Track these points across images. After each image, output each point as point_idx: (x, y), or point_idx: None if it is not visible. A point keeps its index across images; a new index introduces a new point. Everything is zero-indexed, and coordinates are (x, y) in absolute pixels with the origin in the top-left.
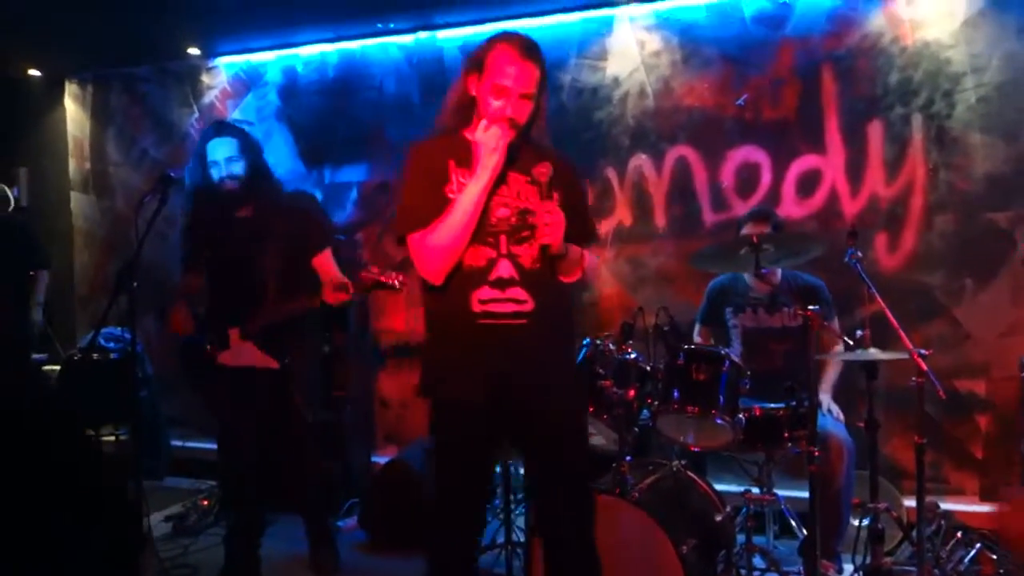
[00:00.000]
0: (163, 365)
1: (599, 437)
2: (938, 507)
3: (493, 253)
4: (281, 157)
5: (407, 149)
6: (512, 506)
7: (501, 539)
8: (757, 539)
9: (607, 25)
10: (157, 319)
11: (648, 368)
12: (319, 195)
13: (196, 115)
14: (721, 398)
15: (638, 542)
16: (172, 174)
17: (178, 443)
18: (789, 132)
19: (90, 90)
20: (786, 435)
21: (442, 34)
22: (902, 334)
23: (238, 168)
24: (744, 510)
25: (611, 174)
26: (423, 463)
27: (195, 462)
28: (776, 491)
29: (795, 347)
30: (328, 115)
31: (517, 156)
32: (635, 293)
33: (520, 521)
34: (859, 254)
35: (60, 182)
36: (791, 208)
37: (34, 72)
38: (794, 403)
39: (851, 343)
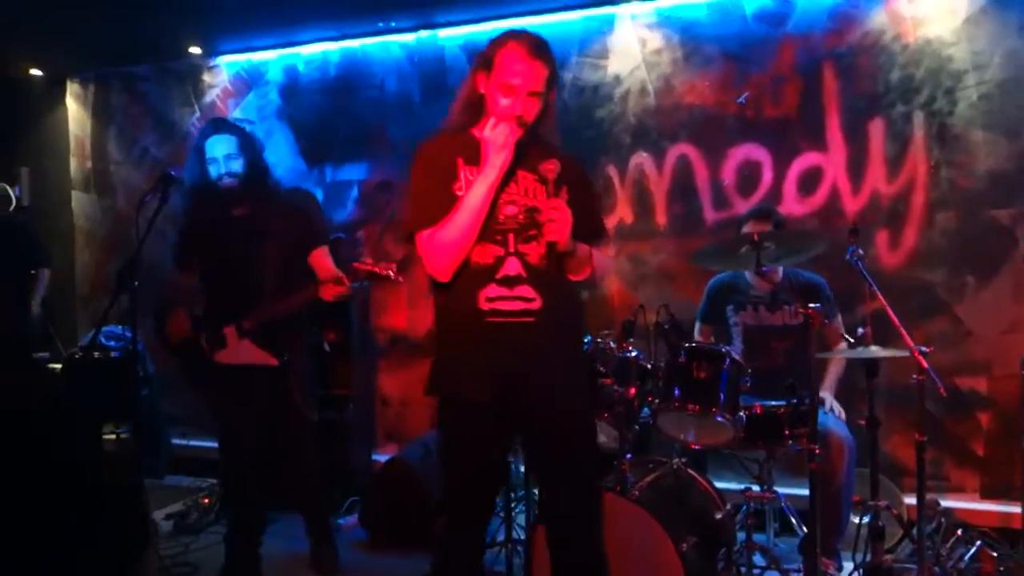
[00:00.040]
0: (164, 364)
1: (600, 435)
2: (939, 505)
3: (501, 251)
4: (282, 156)
5: (416, 147)
6: (512, 504)
7: (501, 537)
8: (757, 537)
9: (608, 23)
10: (153, 321)
11: (649, 366)
12: (320, 193)
13: (197, 114)
14: (722, 396)
15: (638, 540)
16: (173, 173)
17: (179, 441)
18: (790, 130)
19: (91, 89)
20: (787, 433)
21: (443, 33)
22: (903, 332)
23: (237, 166)
24: (744, 508)
25: (612, 172)
26: (423, 461)
27: (196, 460)
28: (776, 489)
29: (796, 345)
30: (329, 114)
31: (525, 154)
32: (636, 291)
33: (520, 519)
34: (860, 252)
35: (61, 181)
36: (792, 206)
37: (35, 71)
38: (795, 401)
39: (851, 341)
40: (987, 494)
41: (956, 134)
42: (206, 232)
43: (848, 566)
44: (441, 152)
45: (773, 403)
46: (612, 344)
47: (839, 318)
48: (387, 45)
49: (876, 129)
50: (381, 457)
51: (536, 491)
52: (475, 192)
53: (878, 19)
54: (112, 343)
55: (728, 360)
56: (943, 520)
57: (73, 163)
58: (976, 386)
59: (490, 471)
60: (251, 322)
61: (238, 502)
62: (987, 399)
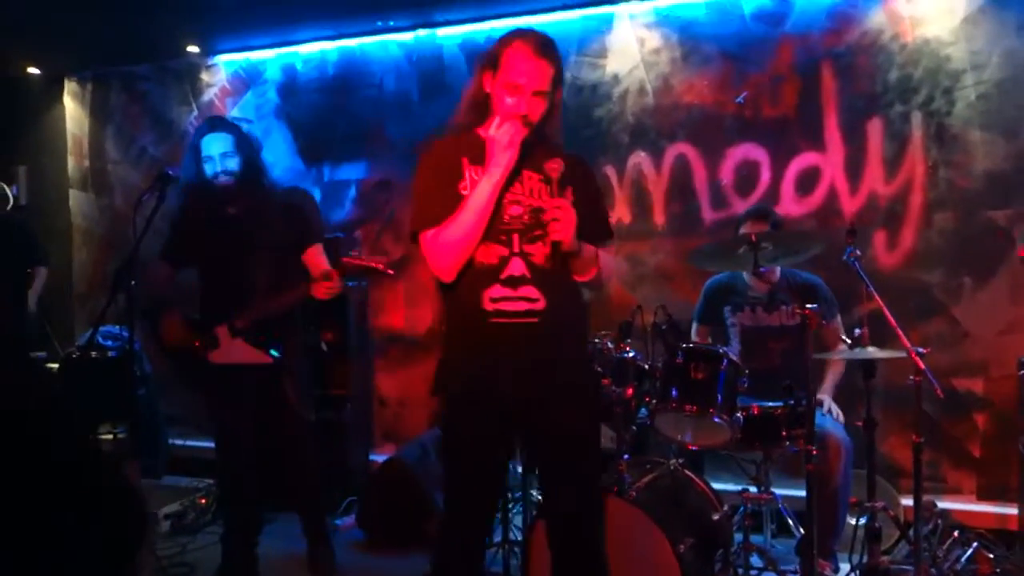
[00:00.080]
0: (161, 363)
1: None
2: (935, 506)
3: (505, 251)
4: (280, 155)
5: (421, 146)
6: (509, 505)
7: (498, 538)
8: (754, 538)
9: (607, 22)
10: (147, 322)
11: (646, 366)
12: (318, 193)
13: (195, 113)
14: (719, 397)
15: (635, 541)
16: (171, 172)
17: (177, 441)
18: (788, 130)
19: (89, 88)
20: (784, 434)
21: (442, 32)
22: (900, 333)
23: (232, 164)
24: (742, 509)
25: (610, 172)
26: (421, 461)
27: (193, 460)
28: (774, 490)
29: (793, 346)
30: (327, 113)
31: (531, 154)
32: (634, 291)
33: (517, 520)
34: (858, 252)
35: (59, 180)
36: (790, 206)
37: (33, 70)
38: (792, 402)
39: (848, 342)
40: (984, 495)
41: (954, 134)
42: (200, 230)
43: (845, 567)
44: (446, 151)
45: (770, 404)
46: (610, 344)
47: (839, 319)
48: (385, 44)
49: (874, 129)
50: (378, 457)
51: (533, 492)
52: (480, 192)
53: (876, 19)
54: (109, 343)
55: (725, 361)
56: (940, 521)
57: (71, 162)
58: (973, 387)
59: (493, 472)
60: (243, 321)
61: (234, 502)
62: (984, 400)
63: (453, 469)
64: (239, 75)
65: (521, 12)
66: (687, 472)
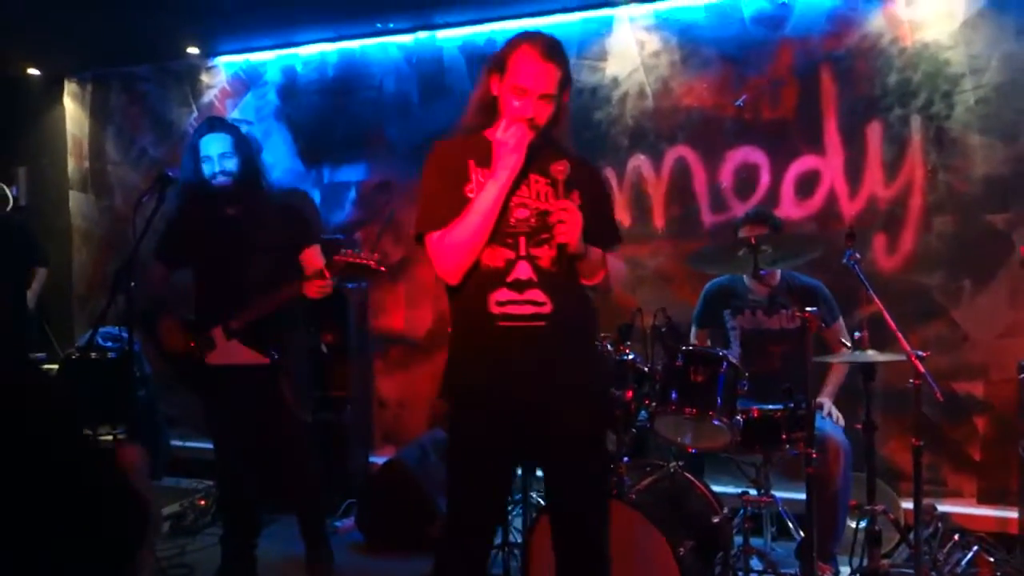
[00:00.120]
0: (160, 365)
1: None
2: (935, 509)
3: (512, 254)
4: (280, 156)
5: (429, 148)
6: (509, 507)
7: (498, 540)
8: (754, 541)
9: (607, 25)
10: (144, 327)
11: (646, 369)
12: (318, 195)
13: (195, 114)
14: (719, 399)
15: (635, 543)
16: (170, 173)
17: (177, 442)
18: (788, 133)
19: (89, 89)
20: (784, 437)
21: (442, 34)
22: (899, 336)
23: (231, 165)
24: (741, 512)
25: (610, 174)
26: (420, 463)
27: (193, 462)
28: (773, 493)
29: (793, 349)
30: (327, 115)
31: (538, 157)
32: (633, 294)
33: (517, 522)
34: (857, 255)
35: (59, 181)
36: (790, 209)
37: (33, 71)
38: (792, 405)
39: (848, 345)
40: (984, 499)
41: (953, 138)
42: (197, 230)
43: (845, 571)
44: (453, 153)
45: (770, 407)
46: (609, 347)
47: (841, 322)
48: (385, 46)
49: (874, 132)
50: (378, 459)
51: (533, 494)
52: (486, 195)
53: (876, 22)
54: (109, 344)
55: (725, 364)
56: (940, 525)
57: (71, 163)
58: (973, 390)
59: (498, 476)
60: (238, 322)
61: (233, 503)
62: (984, 403)
63: (458, 472)
64: (239, 76)
65: (521, 15)
66: (687, 475)
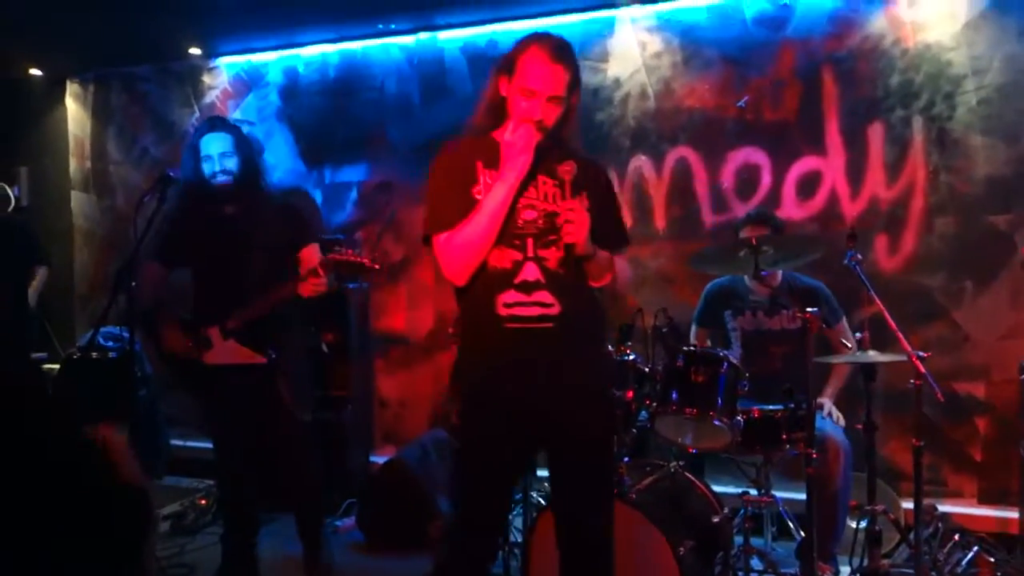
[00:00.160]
0: (160, 366)
1: None
2: (936, 509)
3: (519, 255)
4: (281, 157)
5: (438, 149)
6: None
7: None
8: (755, 541)
9: (608, 26)
10: (143, 328)
11: (647, 369)
12: (319, 195)
13: (197, 115)
14: (719, 400)
15: (636, 543)
16: (172, 174)
17: (177, 442)
18: (789, 134)
19: (91, 89)
20: (784, 437)
21: (443, 35)
22: (900, 336)
23: (231, 164)
24: (742, 512)
25: (611, 175)
26: (421, 463)
27: (194, 461)
28: (774, 493)
29: (795, 350)
30: (329, 115)
31: (546, 158)
32: (634, 294)
33: (517, 522)
34: (859, 256)
35: (61, 181)
36: (791, 210)
37: (35, 72)
38: (792, 405)
39: (850, 346)
40: (984, 499)
41: (955, 139)
42: (195, 230)
43: (845, 570)
44: (461, 155)
45: (770, 407)
46: (610, 347)
47: (844, 322)
48: (387, 47)
49: (875, 134)
50: (379, 459)
51: (533, 495)
52: (493, 196)
53: (878, 24)
54: (110, 343)
55: (726, 364)
56: (940, 525)
57: (72, 163)
58: (974, 391)
59: (505, 478)
60: (235, 322)
61: (233, 503)
62: (985, 404)
63: (466, 473)
64: (241, 77)
65: (523, 16)
66: (687, 475)
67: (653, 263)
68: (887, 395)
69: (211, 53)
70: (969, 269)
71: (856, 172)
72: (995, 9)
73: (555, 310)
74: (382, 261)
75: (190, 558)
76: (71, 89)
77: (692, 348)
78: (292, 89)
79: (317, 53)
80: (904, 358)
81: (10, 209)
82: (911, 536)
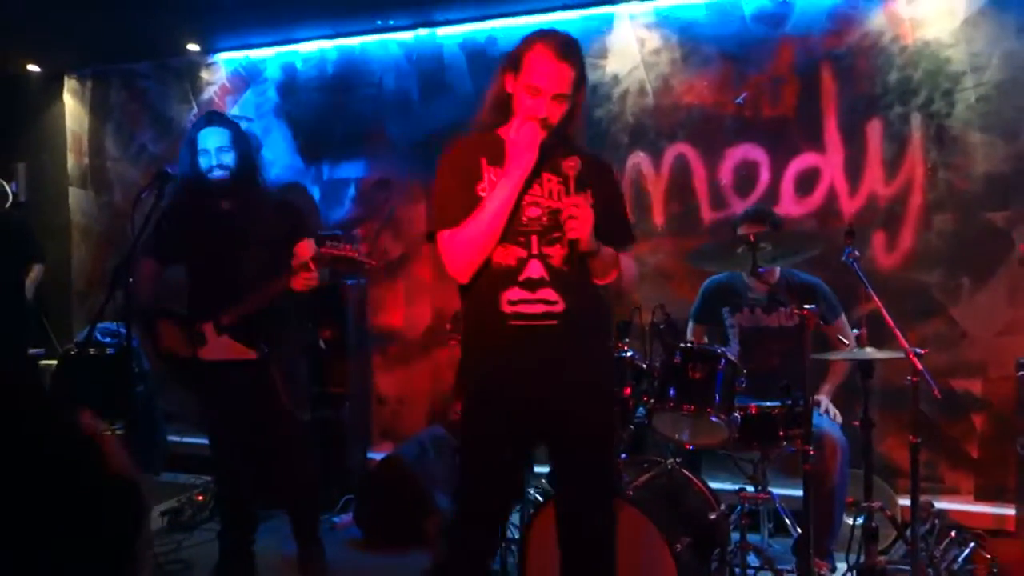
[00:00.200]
0: (157, 364)
1: None
2: (932, 506)
3: (524, 253)
4: (280, 153)
5: (444, 145)
6: None
7: None
8: (752, 537)
9: (607, 23)
10: (140, 325)
11: (644, 366)
12: (317, 191)
13: (195, 111)
14: (717, 396)
15: (632, 540)
16: (169, 170)
17: (174, 438)
18: (788, 130)
19: (89, 86)
20: (781, 434)
21: (442, 31)
22: (898, 333)
23: (228, 159)
24: (739, 508)
25: None
26: (419, 460)
27: (192, 457)
28: (771, 489)
29: (792, 346)
30: (327, 112)
31: (551, 155)
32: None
33: (515, 518)
34: (856, 253)
35: (58, 177)
36: (790, 206)
37: (33, 68)
38: (789, 402)
39: (846, 343)
40: (981, 496)
41: (954, 136)
42: (191, 224)
43: (842, 567)
44: (466, 152)
45: (768, 404)
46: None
47: (843, 319)
48: (385, 43)
49: (874, 130)
50: (376, 455)
51: (531, 491)
52: (497, 194)
53: (877, 20)
54: (108, 340)
55: (723, 361)
56: (937, 522)
57: (70, 159)
58: (971, 388)
59: (507, 475)
60: (228, 318)
61: (230, 499)
62: (982, 401)
63: (468, 470)
64: (239, 73)
65: (521, 12)
66: (684, 471)
67: (651, 259)
68: (884, 392)
69: (209, 49)
70: (967, 266)
71: (854, 169)
72: (994, 6)
73: (559, 307)
74: (380, 258)
75: (187, 554)
76: (69, 85)
77: (689, 345)
78: (290, 85)
79: (315, 49)
80: (901, 355)
81: (8, 205)
82: (908, 533)
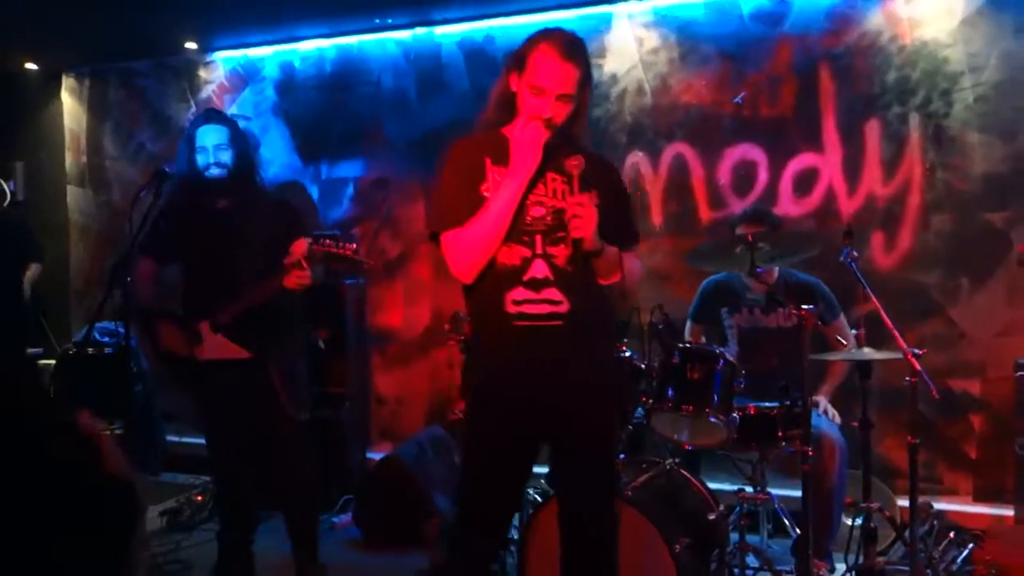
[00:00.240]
0: (156, 364)
1: None
2: (931, 507)
3: (528, 252)
4: (278, 152)
5: (448, 145)
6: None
7: None
8: (750, 538)
9: (605, 22)
10: (138, 326)
11: (643, 366)
12: (315, 190)
13: (193, 109)
14: (715, 397)
15: (631, 541)
16: (167, 169)
17: (173, 438)
18: (786, 130)
19: (87, 84)
20: (780, 434)
21: (440, 30)
22: (896, 334)
23: (226, 157)
24: (738, 509)
25: None
26: (418, 460)
27: (191, 457)
28: (770, 490)
29: (791, 347)
30: (325, 110)
31: (555, 155)
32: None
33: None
34: (855, 253)
35: (56, 176)
36: (788, 206)
37: (31, 66)
38: (788, 402)
39: (845, 343)
40: (980, 497)
41: (952, 136)
42: (187, 222)
43: (840, 568)
44: (470, 151)
45: (766, 404)
46: None
47: (842, 319)
48: (383, 42)
49: (872, 130)
50: (376, 455)
51: (530, 491)
52: (502, 194)
53: (875, 20)
54: (106, 339)
55: (722, 361)
56: (936, 522)
57: (68, 158)
58: (969, 388)
59: (512, 477)
60: (223, 317)
61: (229, 499)
62: (980, 401)
63: (470, 471)
64: (237, 72)
65: (519, 11)
66: (683, 472)
67: (649, 259)
68: (883, 392)
69: (207, 48)
70: (965, 266)
71: (853, 169)
72: (992, 6)
73: (564, 308)
74: (378, 257)
75: (186, 554)
76: (67, 84)
77: (688, 345)
78: (288, 84)
79: (313, 48)
80: (900, 355)
81: (6, 204)
82: (906, 533)
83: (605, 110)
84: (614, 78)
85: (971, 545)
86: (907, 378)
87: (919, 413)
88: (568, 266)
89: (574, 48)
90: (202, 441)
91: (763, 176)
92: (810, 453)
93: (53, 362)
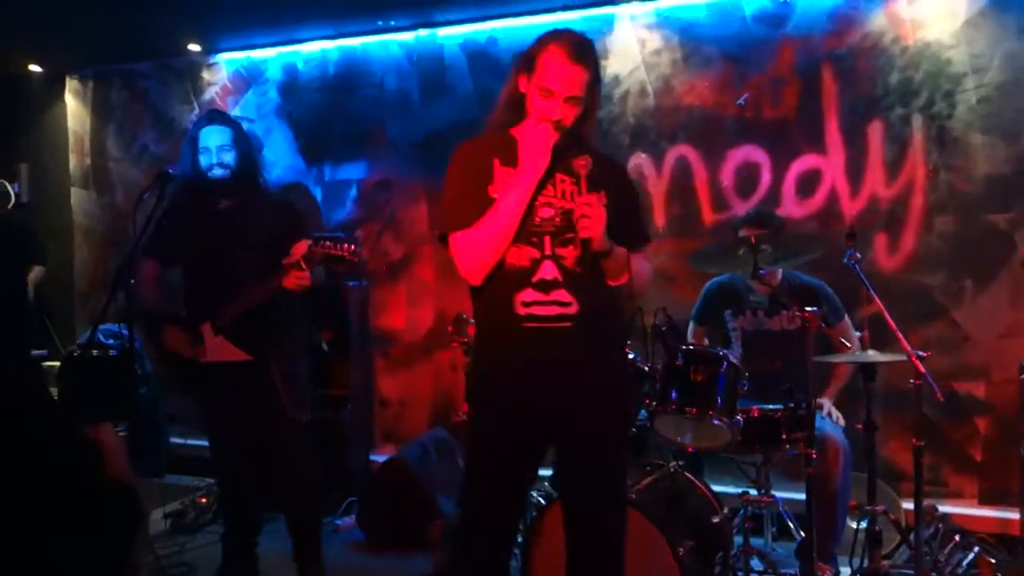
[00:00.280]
0: (160, 367)
1: None
2: (936, 510)
3: (537, 254)
4: (281, 154)
5: (455, 146)
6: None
7: None
8: (755, 541)
9: (608, 23)
10: (144, 329)
11: (646, 368)
12: (319, 192)
13: (196, 111)
14: (719, 399)
15: (635, 544)
16: (171, 171)
17: (178, 440)
18: (789, 132)
19: (91, 86)
20: (784, 437)
21: (443, 32)
22: (900, 336)
23: (229, 158)
24: (742, 512)
25: None
26: (421, 462)
27: (195, 459)
28: (774, 493)
29: (795, 349)
30: (328, 112)
31: (564, 156)
32: None
33: None
34: (858, 255)
35: (60, 178)
36: (791, 208)
37: (35, 68)
38: (792, 405)
39: (849, 345)
40: (985, 500)
41: (955, 137)
42: (190, 224)
43: (845, 571)
44: (478, 152)
45: (770, 407)
46: None
47: (847, 321)
48: (386, 44)
49: (875, 132)
50: (379, 458)
51: (534, 494)
52: (511, 195)
53: (878, 21)
54: (110, 341)
55: (725, 363)
56: (941, 526)
57: (72, 160)
58: (974, 391)
59: (518, 480)
60: (222, 318)
61: (233, 501)
62: (985, 404)
63: (476, 473)
64: (240, 74)
65: (522, 12)
66: (687, 474)
67: (652, 261)
68: (887, 395)
69: (211, 49)
70: (969, 268)
71: (856, 170)
72: (995, 7)
73: (573, 309)
74: (381, 259)
75: (190, 557)
76: (71, 85)
77: (691, 347)
78: (291, 86)
79: (317, 50)
80: (904, 358)
81: (10, 206)
82: (911, 537)
83: (608, 112)
84: (616, 80)
85: (977, 548)
86: (911, 380)
87: (923, 415)
88: (577, 267)
89: (583, 50)
90: (206, 443)
91: (766, 178)
92: (814, 456)
93: (57, 364)
